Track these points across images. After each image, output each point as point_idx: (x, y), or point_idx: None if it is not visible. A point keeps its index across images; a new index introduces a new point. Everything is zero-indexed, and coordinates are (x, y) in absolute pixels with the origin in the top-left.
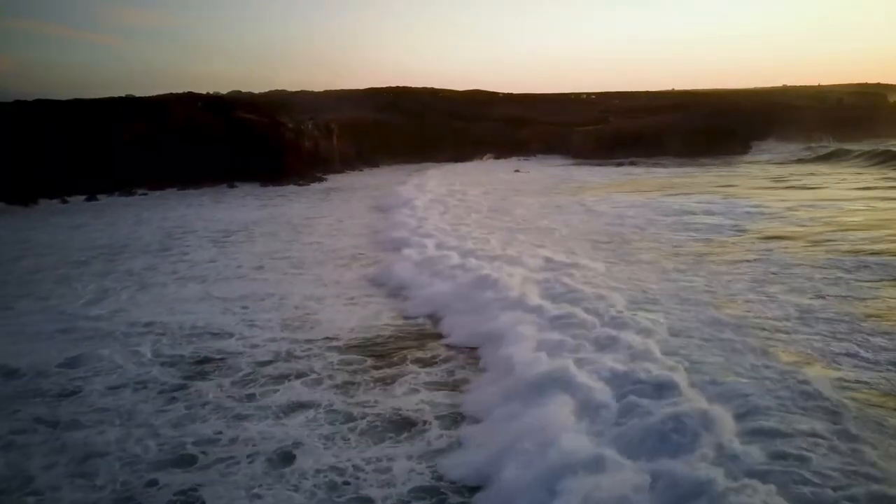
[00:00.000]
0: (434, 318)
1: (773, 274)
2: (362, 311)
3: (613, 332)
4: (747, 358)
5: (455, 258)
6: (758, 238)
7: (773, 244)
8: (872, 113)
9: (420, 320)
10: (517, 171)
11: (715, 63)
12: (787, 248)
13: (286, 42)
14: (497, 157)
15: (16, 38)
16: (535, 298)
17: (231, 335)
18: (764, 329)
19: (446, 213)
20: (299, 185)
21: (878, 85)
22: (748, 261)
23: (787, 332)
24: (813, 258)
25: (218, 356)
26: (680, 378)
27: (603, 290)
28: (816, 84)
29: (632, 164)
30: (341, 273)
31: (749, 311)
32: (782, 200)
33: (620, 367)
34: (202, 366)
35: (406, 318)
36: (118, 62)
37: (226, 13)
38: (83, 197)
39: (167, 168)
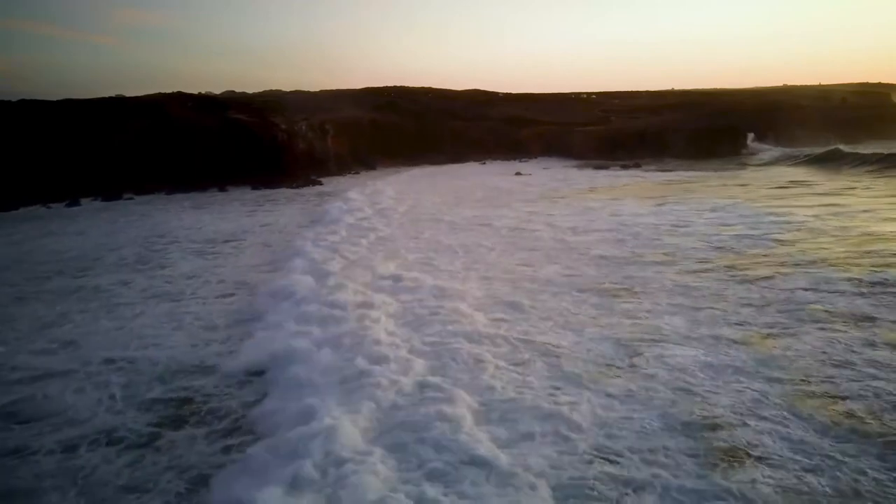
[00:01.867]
0: None
1: (812, 290)
2: None
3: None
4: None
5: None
6: (793, 251)
7: (809, 258)
8: (878, 113)
9: None
10: (518, 173)
11: (713, 63)
12: (826, 260)
13: (282, 41)
14: (497, 159)
15: (13, 39)
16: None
17: (213, 371)
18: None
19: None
20: (292, 188)
21: (880, 84)
22: (783, 279)
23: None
24: (858, 275)
25: (198, 397)
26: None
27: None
28: (817, 84)
29: (636, 165)
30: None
31: (788, 348)
32: (806, 207)
33: None
34: (179, 410)
35: None
36: (116, 62)
37: (223, 13)
38: (65, 202)
39: (154, 171)
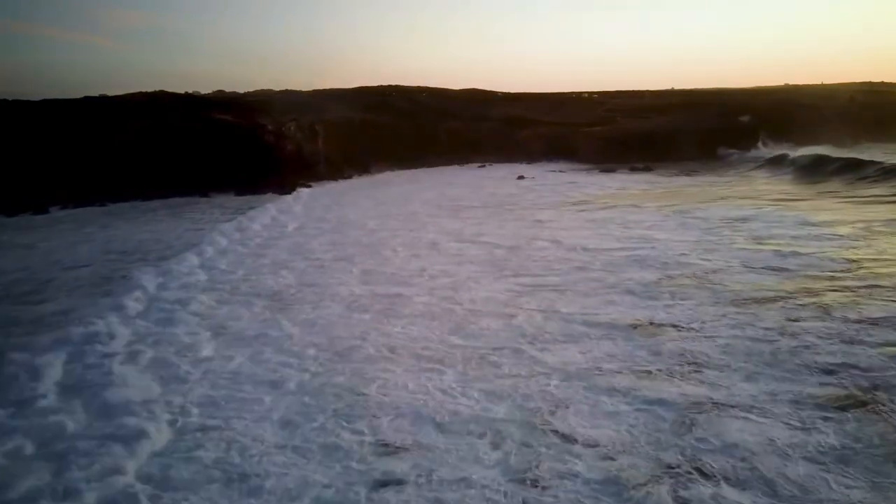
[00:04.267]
0: None
1: None
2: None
3: None
4: None
5: None
6: (861, 272)
7: (886, 282)
8: (889, 112)
9: None
10: (521, 177)
11: (712, 62)
12: None
13: (275, 41)
14: (497, 161)
15: (11, 40)
16: None
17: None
18: None
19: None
20: (280, 193)
21: (883, 84)
22: (863, 309)
23: None
24: None
25: None
26: None
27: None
28: (819, 83)
29: (647, 169)
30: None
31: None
32: (850, 217)
33: None
34: None
35: None
36: (111, 63)
37: (220, 13)
38: (31, 210)
39: (133, 175)
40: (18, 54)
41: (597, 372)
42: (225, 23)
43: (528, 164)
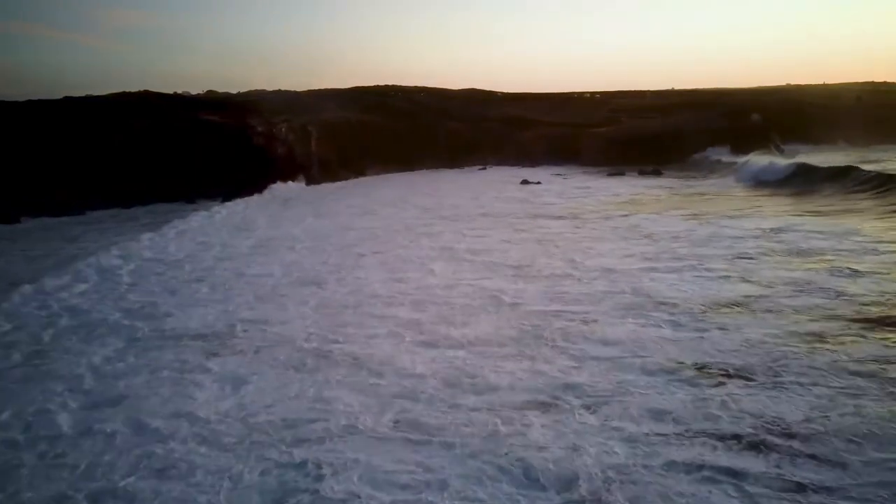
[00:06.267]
0: None
1: None
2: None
3: None
4: None
5: None
6: None
7: None
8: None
9: None
10: (525, 181)
11: (713, 62)
12: None
13: (273, 40)
14: (498, 164)
15: (10, 41)
16: None
17: None
18: None
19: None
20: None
21: (886, 83)
22: None
23: None
24: None
25: None
26: None
27: None
28: (822, 83)
29: (656, 172)
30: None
31: None
32: None
33: None
34: None
35: None
36: (108, 63)
37: (221, 12)
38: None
39: (114, 180)
40: (19, 54)
41: (654, 439)
42: (224, 22)
43: (531, 166)
